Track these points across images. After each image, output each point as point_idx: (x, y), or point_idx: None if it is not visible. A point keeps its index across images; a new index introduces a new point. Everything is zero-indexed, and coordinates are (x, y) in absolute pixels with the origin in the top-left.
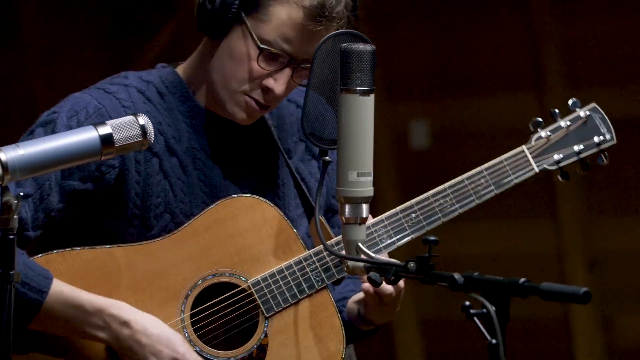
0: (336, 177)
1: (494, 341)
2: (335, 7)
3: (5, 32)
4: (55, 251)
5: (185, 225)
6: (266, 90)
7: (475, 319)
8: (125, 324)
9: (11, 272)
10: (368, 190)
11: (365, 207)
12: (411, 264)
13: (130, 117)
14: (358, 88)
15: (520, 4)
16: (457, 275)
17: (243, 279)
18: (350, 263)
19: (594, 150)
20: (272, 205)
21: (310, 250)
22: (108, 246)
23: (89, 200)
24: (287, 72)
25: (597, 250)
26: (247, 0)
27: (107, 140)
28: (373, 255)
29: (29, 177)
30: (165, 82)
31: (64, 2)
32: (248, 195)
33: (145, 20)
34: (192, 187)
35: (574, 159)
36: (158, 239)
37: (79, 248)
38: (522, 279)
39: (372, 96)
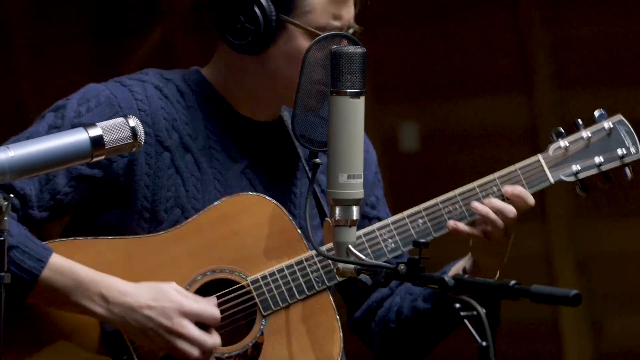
0: (326, 179)
1: (484, 343)
2: None
3: None
4: (57, 240)
5: (189, 220)
6: None
7: (466, 321)
8: (122, 293)
9: (1, 274)
10: (358, 192)
11: (355, 209)
12: (401, 267)
13: (121, 119)
14: (348, 90)
15: (509, 6)
16: (447, 278)
17: (243, 276)
18: (340, 265)
19: (617, 163)
20: (277, 204)
21: (312, 251)
22: (110, 237)
23: (97, 187)
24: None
25: (585, 253)
26: (281, 4)
27: (97, 141)
28: (363, 257)
29: (20, 179)
30: (188, 81)
31: (51, 3)
32: (254, 193)
33: (134, 22)
34: (206, 185)
35: (594, 171)
36: (160, 232)
37: (81, 238)
38: (512, 282)
39: (362, 98)
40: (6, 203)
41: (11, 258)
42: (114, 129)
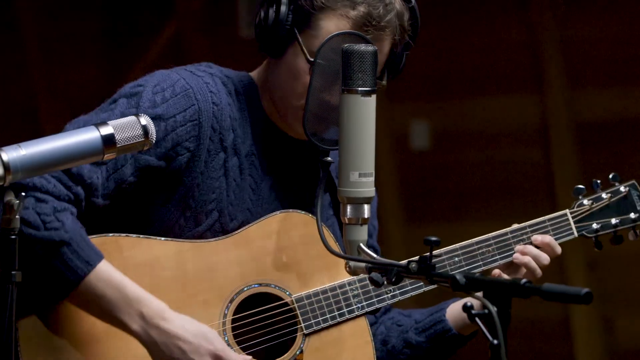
0: (338, 177)
1: (495, 342)
2: (384, 16)
3: (5, 33)
4: (110, 234)
5: (239, 231)
6: None
7: (477, 319)
8: (164, 319)
9: (13, 272)
10: (370, 190)
11: (366, 208)
12: (413, 265)
13: (132, 118)
14: (360, 88)
15: (521, 5)
16: (458, 276)
17: (287, 292)
18: (351, 263)
19: (629, 225)
20: (325, 226)
21: (355, 277)
22: (162, 238)
23: (160, 179)
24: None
25: (597, 252)
26: (300, 18)
27: (108, 140)
28: (374, 255)
29: (31, 176)
30: (241, 84)
31: (63, 2)
32: (304, 212)
33: (145, 21)
34: (242, 192)
35: (610, 231)
36: (211, 240)
37: (134, 235)
38: (524, 280)
39: (373, 97)
40: (18, 202)
41: (61, 253)
42: (126, 128)
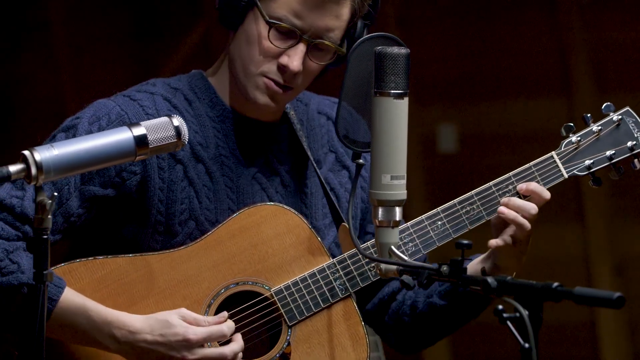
0: (369, 179)
1: (526, 345)
2: None
3: (35, 33)
4: (77, 260)
5: (208, 233)
6: (283, 69)
7: (508, 322)
8: (131, 333)
9: (44, 272)
10: (401, 193)
11: (398, 210)
12: (444, 268)
13: (165, 118)
14: (392, 91)
15: (549, 8)
16: (490, 279)
17: (266, 287)
18: (383, 266)
19: (627, 155)
20: (296, 213)
21: (334, 259)
22: (131, 255)
23: (111, 206)
24: (300, 47)
25: (623, 255)
26: None
27: (141, 141)
28: (406, 258)
29: (63, 176)
30: (195, 89)
31: (92, 2)
32: (272, 203)
33: (173, 22)
34: (218, 194)
35: (606, 164)
36: (181, 247)
37: (101, 257)
38: (555, 284)
39: (406, 99)
40: (50, 202)
41: (22, 295)
42: (158, 128)
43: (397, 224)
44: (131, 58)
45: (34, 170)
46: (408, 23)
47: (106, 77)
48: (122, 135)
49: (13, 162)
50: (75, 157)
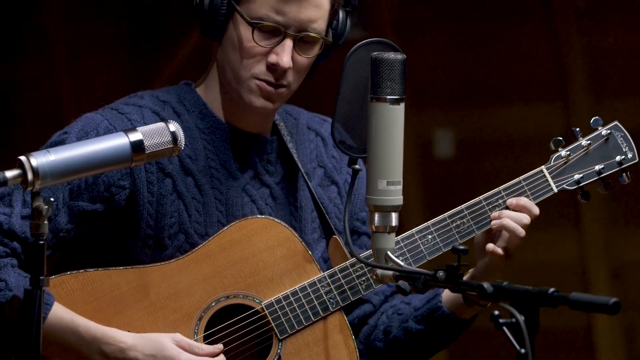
0: (366, 185)
1: (523, 351)
2: None
3: (32, 38)
4: (68, 272)
5: (199, 246)
6: (273, 68)
7: (505, 328)
8: (122, 351)
9: (41, 277)
10: (397, 199)
11: (394, 216)
12: (440, 273)
13: (161, 124)
14: (388, 97)
15: (546, 14)
16: (486, 285)
17: (257, 300)
18: (379, 271)
19: (616, 169)
20: (286, 226)
21: (325, 272)
22: (122, 267)
23: (99, 220)
24: (287, 43)
25: (620, 260)
26: None
27: (137, 146)
28: (402, 264)
29: (60, 182)
30: (184, 101)
31: (89, 8)
32: (263, 216)
33: (170, 28)
34: (207, 207)
35: (595, 178)
36: (172, 260)
37: (92, 270)
38: (552, 289)
39: (402, 105)
40: (47, 207)
41: (14, 308)
42: (154, 134)
43: (393, 229)
44: (128, 63)
45: (30, 176)
46: (405, 29)
47: (103, 82)
48: (118, 141)
49: (9, 168)
50: (72, 162)
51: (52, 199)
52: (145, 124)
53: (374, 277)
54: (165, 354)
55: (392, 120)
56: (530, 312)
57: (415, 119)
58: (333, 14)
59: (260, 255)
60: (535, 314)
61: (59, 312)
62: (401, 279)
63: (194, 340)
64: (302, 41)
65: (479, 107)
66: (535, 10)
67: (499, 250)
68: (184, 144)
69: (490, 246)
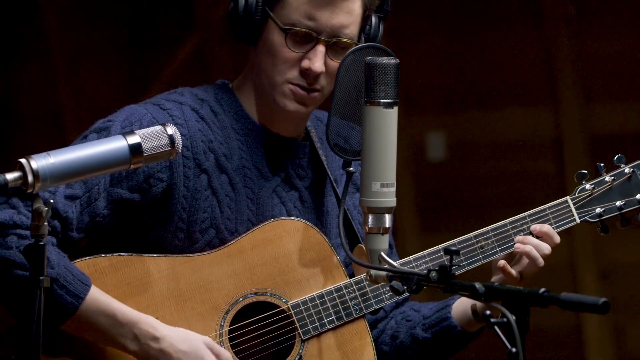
0: (360, 187)
1: (514, 350)
2: None
3: (31, 43)
4: (103, 255)
5: (232, 242)
6: (306, 73)
7: (496, 327)
8: (155, 339)
9: (41, 278)
10: (391, 200)
11: (388, 217)
12: (433, 274)
13: (159, 127)
14: (382, 100)
15: (536, 19)
16: (478, 285)
17: (283, 300)
18: (373, 272)
19: (635, 207)
20: (318, 231)
21: (352, 279)
22: (155, 255)
23: (135, 210)
24: (320, 49)
25: (608, 261)
26: None
27: (136, 149)
28: (395, 264)
29: (60, 184)
30: (221, 101)
31: (87, 13)
32: (296, 219)
33: (167, 33)
34: (239, 205)
35: (615, 214)
36: (204, 253)
37: (126, 254)
38: (542, 289)
39: (395, 109)
40: (46, 209)
41: (50, 290)
42: (152, 137)
43: (386, 230)
44: (126, 68)
45: (30, 178)
46: (398, 34)
47: (101, 86)
48: (117, 144)
49: (10, 171)
50: (71, 165)
51: (51, 201)
52: (186, 120)
53: (368, 277)
54: (198, 353)
55: (385, 124)
56: (521, 311)
57: (408, 122)
58: (365, 19)
59: (290, 256)
60: (526, 313)
61: (96, 294)
62: (395, 279)
63: (220, 332)
64: (334, 46)
65: (470, 110)
66: (525, 16)
67: (514, 272)
68: (221, 142)
69: (501, 262)
